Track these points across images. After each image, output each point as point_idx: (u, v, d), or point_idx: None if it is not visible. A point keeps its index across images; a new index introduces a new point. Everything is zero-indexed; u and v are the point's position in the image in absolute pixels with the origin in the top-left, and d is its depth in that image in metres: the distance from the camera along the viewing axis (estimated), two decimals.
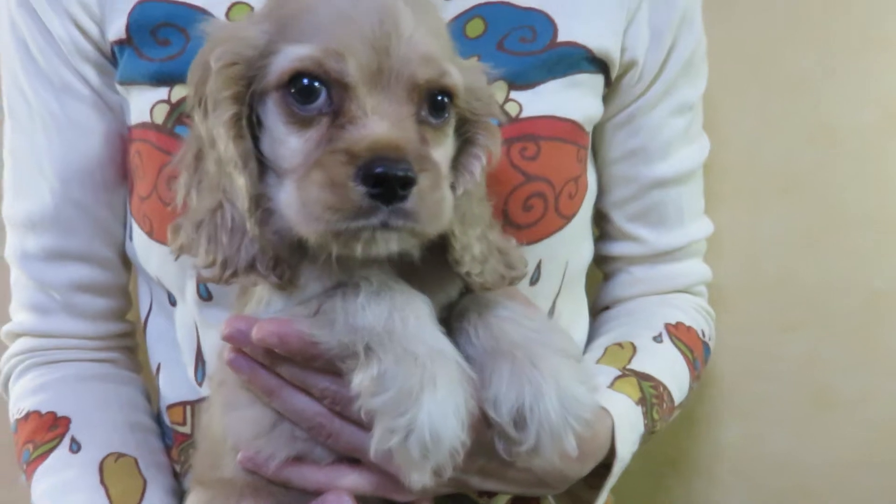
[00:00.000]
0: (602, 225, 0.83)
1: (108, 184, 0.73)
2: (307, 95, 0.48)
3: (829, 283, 1.01)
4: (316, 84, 0.48)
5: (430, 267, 0.54)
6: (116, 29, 0.67)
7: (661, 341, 0.76)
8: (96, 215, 0.73)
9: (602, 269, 0.87)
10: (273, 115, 0.49)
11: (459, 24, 0.67)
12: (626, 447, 0.64)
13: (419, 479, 0.46)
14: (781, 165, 1.00)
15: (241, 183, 0.49)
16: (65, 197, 0.72)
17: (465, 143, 0.55)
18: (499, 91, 0.65)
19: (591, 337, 0.81)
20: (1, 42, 0.72)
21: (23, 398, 0.74)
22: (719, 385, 1.06)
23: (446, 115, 0.51)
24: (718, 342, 0.90)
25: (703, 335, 0.81)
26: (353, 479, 0.55)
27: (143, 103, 0.67)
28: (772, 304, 1.03)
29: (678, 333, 0.77)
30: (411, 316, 0.49)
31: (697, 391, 1.02)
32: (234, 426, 0.56)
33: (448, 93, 0.50)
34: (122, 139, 0.72)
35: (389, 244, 0.47)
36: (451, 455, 0.46)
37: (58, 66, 0.70)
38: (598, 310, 0.86)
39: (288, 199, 0.48)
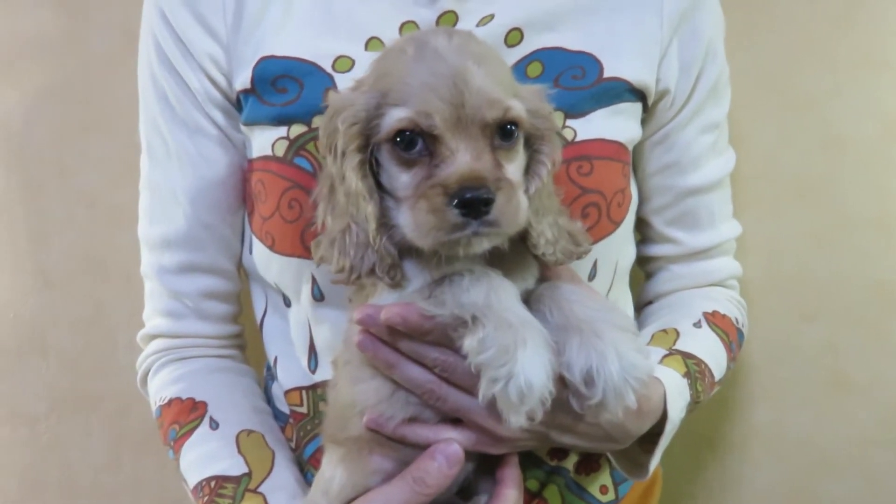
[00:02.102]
0: (643, 230, 0.93)
1: (231, 207, 0.85)
2: (409, 144, 0.61)
3: (841, 278, 1.08)
4: (414, 136, 0.61)
5: (511, 262, 0.67)
6: (242, 80, 0.79)
7: (700, 327, 0.85)
8: (221, 234, 0.85)
9: (644, 269, 0.97)
10: (387, 159, 0.63)
11: (521, 66, 0.78)
12: (676, 412, 0.73)
13: (516, 420, 0.58)
14: (797, 173, 1.08)
15: (369, 210, 0.63)
16: (196, 219, 0.84)
17: (533, 153, 0.67)
18: (556, 120, 0.75)
19: (639, 327, 0.89)
20: (143, 93, 0.85)
21: (163, 388, 0.85)
22: (748, 371, 1.13)
23: (514, 137, 0.64)
24: (747, 333, 0.99)
25: (737, 322, 0.90)
26: (456, 436, 0.66)
27: (265, 140, 0.78)
28: (790, 298, 1.10)
29: (714, 320, 0.86)
30: (504, 294, 0.61)
31: (730, 377, 1.11)
32: (361, 395, 0.68)
33: (513, 122, 0.63)
34: (242, 170, 0.84)
35: (482, 244, 0.61)
36: (542, 401, 0.58)
37: (192, 111, 0.82)
38: (641, 305, 0.96)
39: (405, 221, 0.62)
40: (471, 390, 0.63)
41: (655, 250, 0.93)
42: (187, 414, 0.83)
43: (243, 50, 0.79)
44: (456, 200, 0.58)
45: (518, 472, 0.70)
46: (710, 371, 0.81)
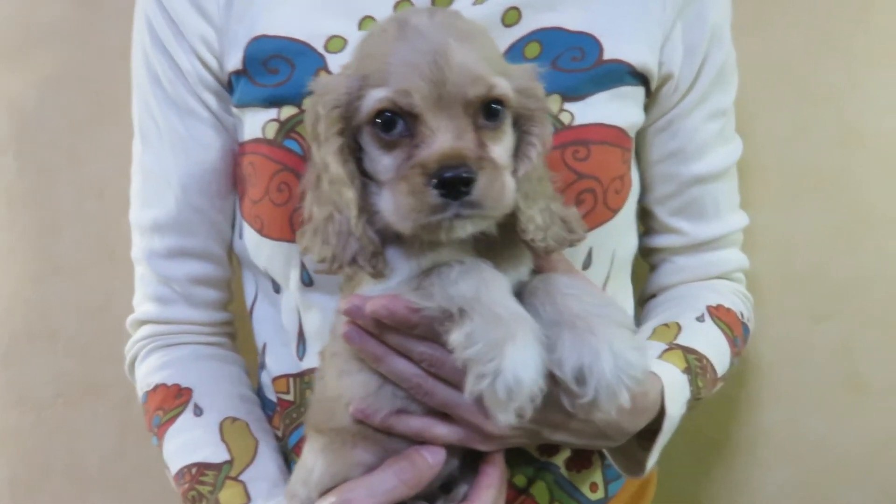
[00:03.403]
0: (646, 221, 0.91)
1: (221, 192, 0.84)
2: (389, 125, 0.60)
3: (857, 276, 1.05)
4: (394, 116, 0.59)
5: (504, 252, 0.65)
6: (234, 61, 0.78)
7: (703, 321, 0.83)
8: (212, 219, 0.85)
9: (648, 261, 0.94)
10: (368, 142, 0.62)
11: (519, 47, 0.76)
12: (675, 408, 0.71)
13: (504, 418, 0.56)
14: (812, 167, 1.05)
15: (349, 196, 0.61)
16: (186, 203, 0.83)
17: (523, 134, 0.65)
18: (553, 103, 0.75)
19: (641, 322, 0.88)
20: (136, 75, 0.85)
21: (150, 374, 0.85)
22: (758, 371, 1.10)
23: (500, 117, 0.61)
24: (756, 331, 0.95)
25: (742, 316, 0.88)
26: (444, 430, 0.65)
27: (256, 122, 0.78)
28: (804, 296, 1.07)
29: (718, 314, 0.84)
30: (494, 286, 0.59)
31: (738, 376, 1.09)
32: (348, 388, 0.66)
33: (498, 101, 0.61)
34: (234, 154, 0.84)
35: (465, 228, 0.59)
36: (531, 398, 0.55)
37: (183, 94, 0.81)
38: (646, 298, 0.94)
39: (385, 204, 0.60)
40: (459, 386, 0.61)
41: (659, 241, 0.91)
42: (172, 400, 0.82)
43: (236, 30, 0.78)
44: (435, 180, 0.56)
45: (500, 469, 0.68)
46: (712, 366, 0.79)
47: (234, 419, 0.82)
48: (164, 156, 0.84)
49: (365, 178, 0.63)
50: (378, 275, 0.62)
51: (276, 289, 0.84)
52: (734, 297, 0.89)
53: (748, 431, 1.13)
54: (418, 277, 0.62)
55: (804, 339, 1.09)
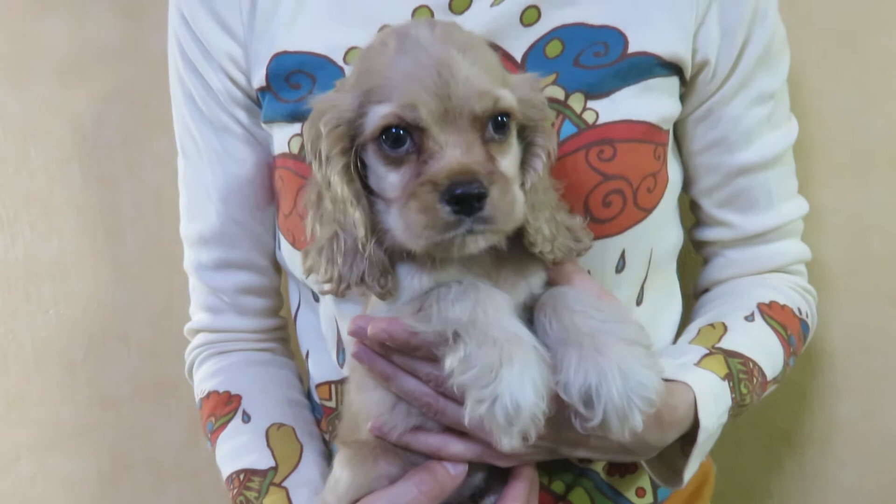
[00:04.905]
0: (695, 212, 0.87)
1: (260, 204, 0.85)
2: (395, 141, 0.59)
3: None
4: (400, 132, 0.58)
5: (514, 266, 0.63)
6: (259, 78, 0.79)
7: (752, 320, 0.78)
8: (253, 231, 0.86)
9: (700, 254, 0.90)
10: (373, 159, 0.61)
11: (540, 46, 0.73)
12: (711, 419, 0.68)
13: (509, 442, 0.55)
14: (882, 140, 0.96)
15: (357, 216, 0.61)
16: (227, 217, 0.85)
17: (527, 145, 0.63)
18: (576, 102, 0.72)
19: (691, 319, 0.85)
20: (173, 94, 0.87)
21: (204, 381, 0.88)
22: (832, 361, 1.04)
23: (507, 129, 0.60)
24: (829, 319, 0.89)
25: (800, 312, 0.83)
26: (461, 448, 0.64)
27: (283, 137, 0.78)
28: (880, 280, 0.99)
29: (771, 312, 0.80)
30: (491, 308, 0.58)
31: (810, 366, 1.04)
32: (365, 405, 0.67)
33: (505, 113, 0.59)
34: (269, 167, 0.85)
35: (478, 244, 0.58)
36: (533, 421, 0.54)
37: (216, 111, 0.83)
38: (698, 293, 0.90)
39: (395, 223, 0.59)
40: None
41: (708, 234, 0.87)
42: (223, 407, 0.85)
43: (258, 47, 0.79)
44: (447, 197, 0.55)
45: (528, 481, 0.67)
46: (760, 370, 0.75)
47: (281, 425, 0.84)
48: (203, 171, 0.86)
49: (370, 196, 0.62)
50: (386, 294, 0.62)
51: (316, 297, 0.85)
52: (791, 291, 0.84)
53: (821, 424, 1.07)
54: (421, 298, 0.61)
55: (881, 325, 1.01)
